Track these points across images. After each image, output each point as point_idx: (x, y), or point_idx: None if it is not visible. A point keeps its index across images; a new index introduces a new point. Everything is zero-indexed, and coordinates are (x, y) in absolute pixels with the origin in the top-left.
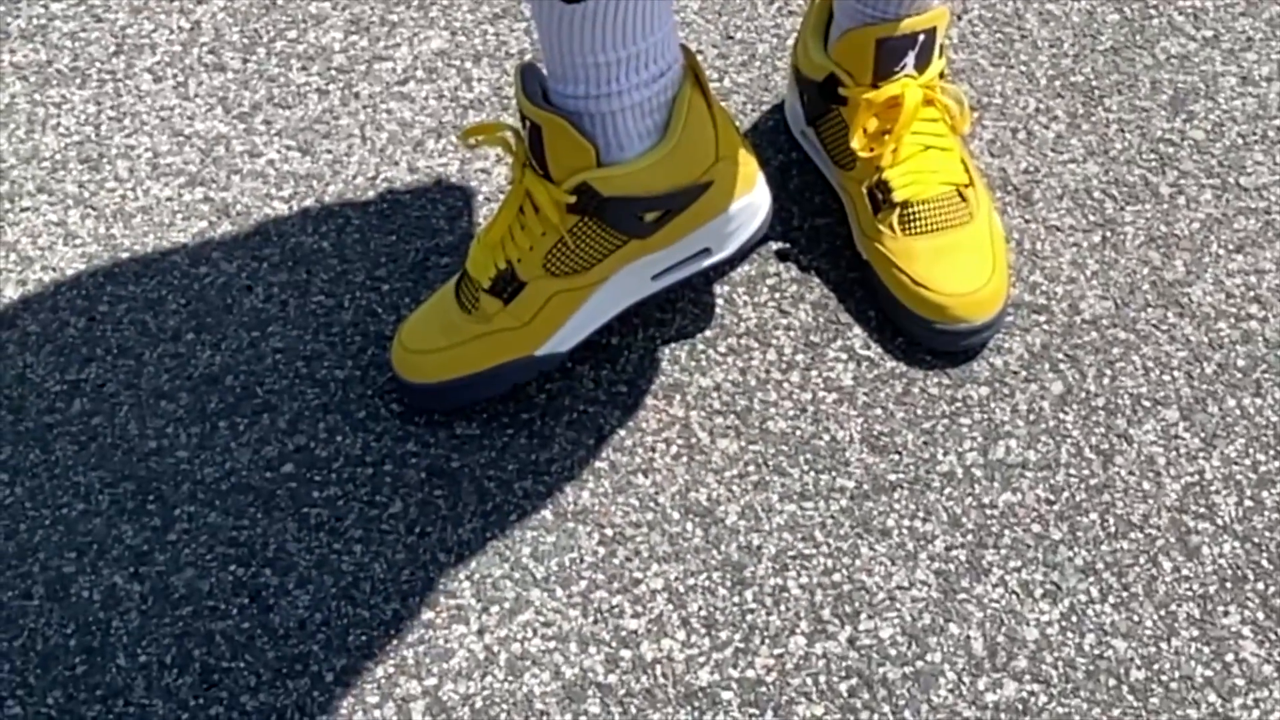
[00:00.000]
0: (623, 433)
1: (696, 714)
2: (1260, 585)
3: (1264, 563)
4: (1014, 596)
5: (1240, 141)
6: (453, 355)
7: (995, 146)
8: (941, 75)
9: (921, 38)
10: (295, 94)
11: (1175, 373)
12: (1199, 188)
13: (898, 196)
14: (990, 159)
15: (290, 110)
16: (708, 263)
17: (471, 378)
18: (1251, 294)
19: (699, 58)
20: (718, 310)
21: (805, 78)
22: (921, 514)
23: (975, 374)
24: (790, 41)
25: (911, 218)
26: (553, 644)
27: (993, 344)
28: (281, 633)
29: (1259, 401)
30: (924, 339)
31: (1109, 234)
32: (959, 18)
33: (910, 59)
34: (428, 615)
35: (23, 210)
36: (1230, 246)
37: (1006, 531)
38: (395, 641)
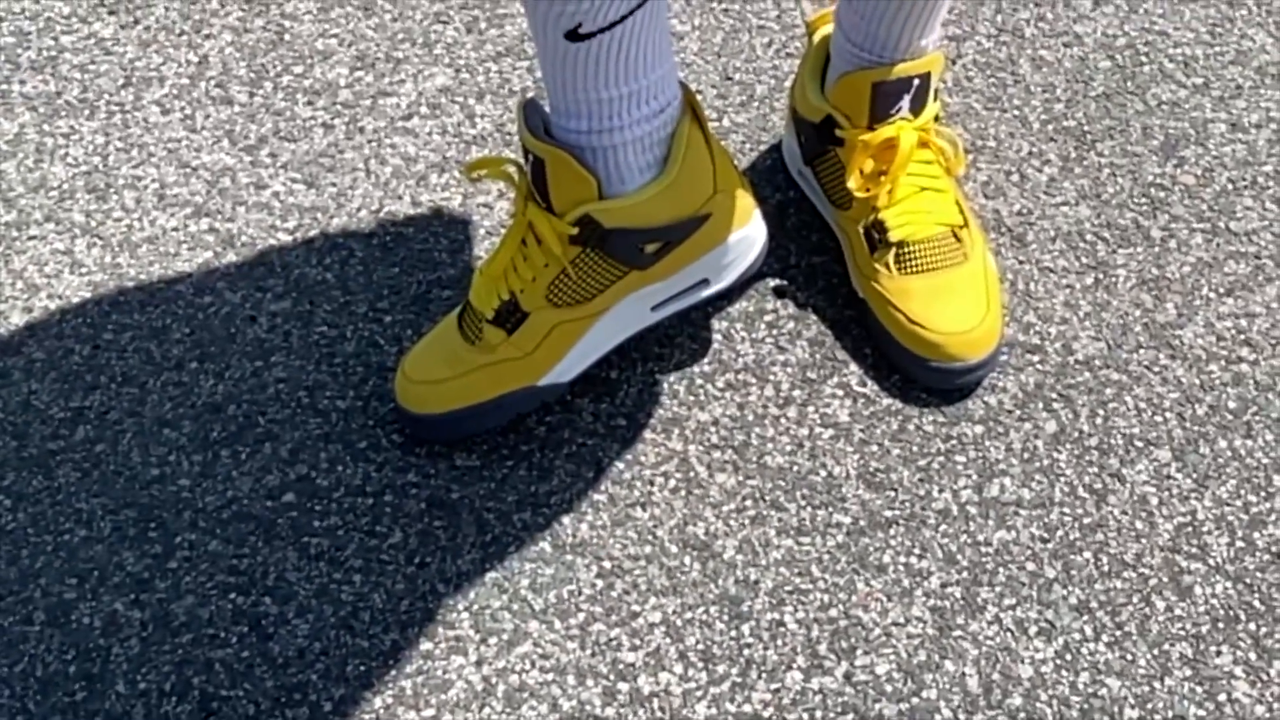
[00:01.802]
0: (621, 466)
1: None
2: (1252, 626)
3: (1255, 603)
4: (1009, 634)
5: (1230, 187)
6: (456, 386)
7: (990, 188)
8: (936, 119)
9: (916, 82)
10: (301, 128)
11: (1167, 414)
12: (1190, 232)
13: (893, 236)
14: (985, 200)
15: (296, 144)
16: (706, 293)
17: (475, 408)
18: (1242, 337)
19: (698, 96)
20: (716, 345)
21: (803, 119)
22: (917, 550)
23: (970, 412)
24: (788, 83)
25: (907, 257)
26: (551, 676)
27: (987, 383)
28: (281, 661)
29: (1250, 443)
30: (919, 376)
31: (1101, 276)
32: (953, 62)
33: (905, 102)
34: (426, 646)
35: (30, 239)
36: (1221, 290)
37: (1001, 569)
38: (394, 672)
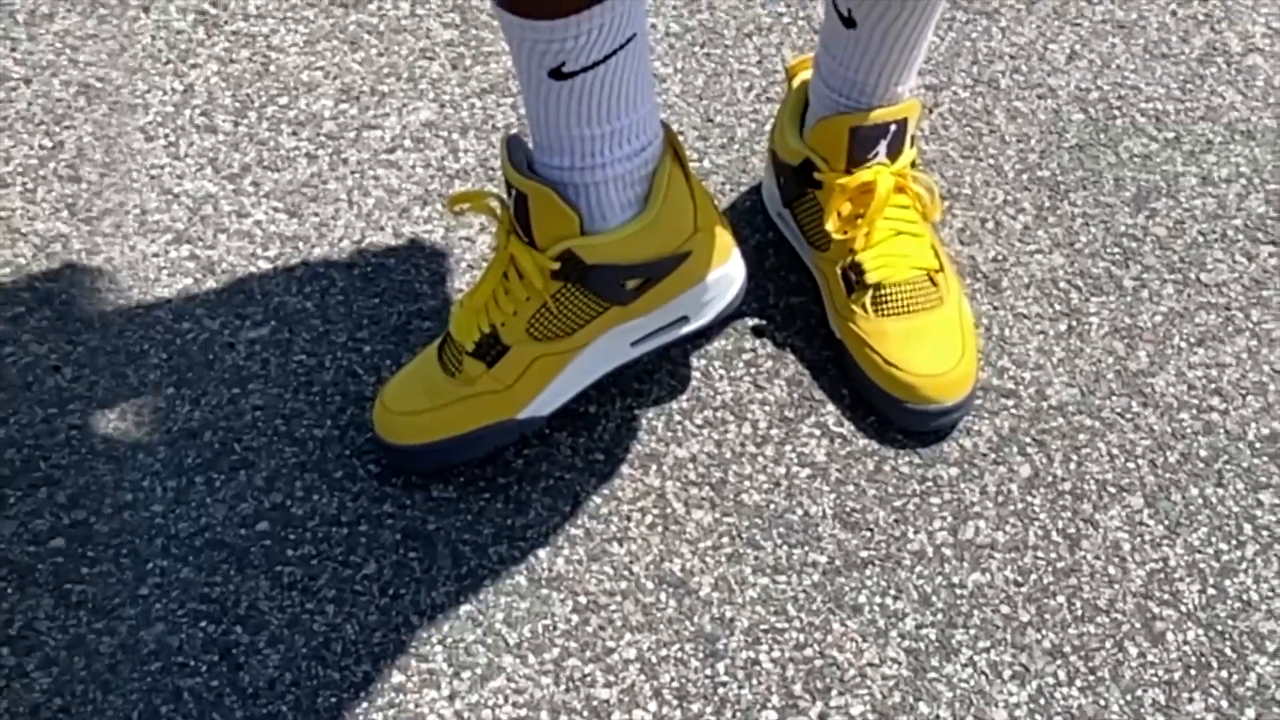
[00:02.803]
0: (598, 500)
1: None
2: (1224, 673)
3: (1227, 650)
4: (983, 677)
5: (1201, 239)
6: (435, 417)
7: (965, 235)
8: (913, 164)
9: (893, 128)
10: (284, 158)
11: (1139, 460)
12: (1161, 282)
13: (870, 279)
14: (960, 246)
15: (279, 173)
16: (685, 330)
17: (453, 440)
18: (1213, 386)
19: (679, 137)
20: (694, 383)
21: (782, 162)
22: (893, 591)
23: (945, 454)
24: (768, 126)
25: (884, 299)
26: (524, 712)
27: (962, 426)
28: (250, 692)
29: (1221, 491)
30: (895, 417)
31: (1075, 323)
32: (930, 111)
33: (882, 147)
34: (398, 679)
35: (7, 261)
36: (1192, 340)
37: (976, 611)
38: (365, 705)
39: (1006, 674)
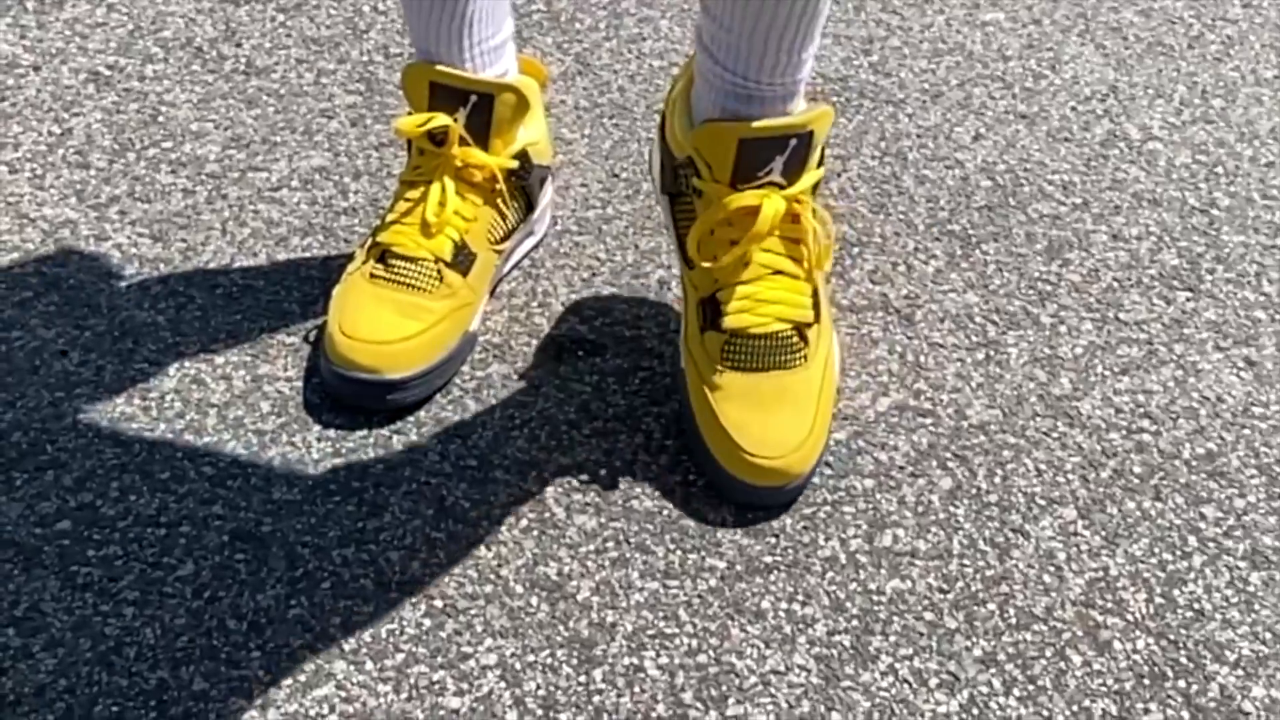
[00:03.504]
0: (467, 505)
1: None
2: (1181, 683)
3: (1183, 660)
4: (905, 685)
5: (1116, 285)
6: (430, 338)
7: (876, 275)
8: (816, 187)
9: (793, 142)
10: (159, 191)
11: (1070, 475)
12: (1079, 319)
13: (727, 323)
14: (871, 285)
15: (150, 204)
16: None
17: (444, 361)
18: (1141, 410)
19: (584, 191)
20: (585, 397)
21: (668, 149)
22: (800, 597)
23: (859, 466)
24: None
25: (736, 351)
26: None
27: (875, 441)
28: (12, 699)
29: (1160, 505)
30: (714, 479)
31: (993, 353)
32: (838, 175)
33: (778, 164)
34: (200, 686)
35: None
36: (1116, 369)
37: (896, 619)
38: (153, 714)
39: (933, 682)
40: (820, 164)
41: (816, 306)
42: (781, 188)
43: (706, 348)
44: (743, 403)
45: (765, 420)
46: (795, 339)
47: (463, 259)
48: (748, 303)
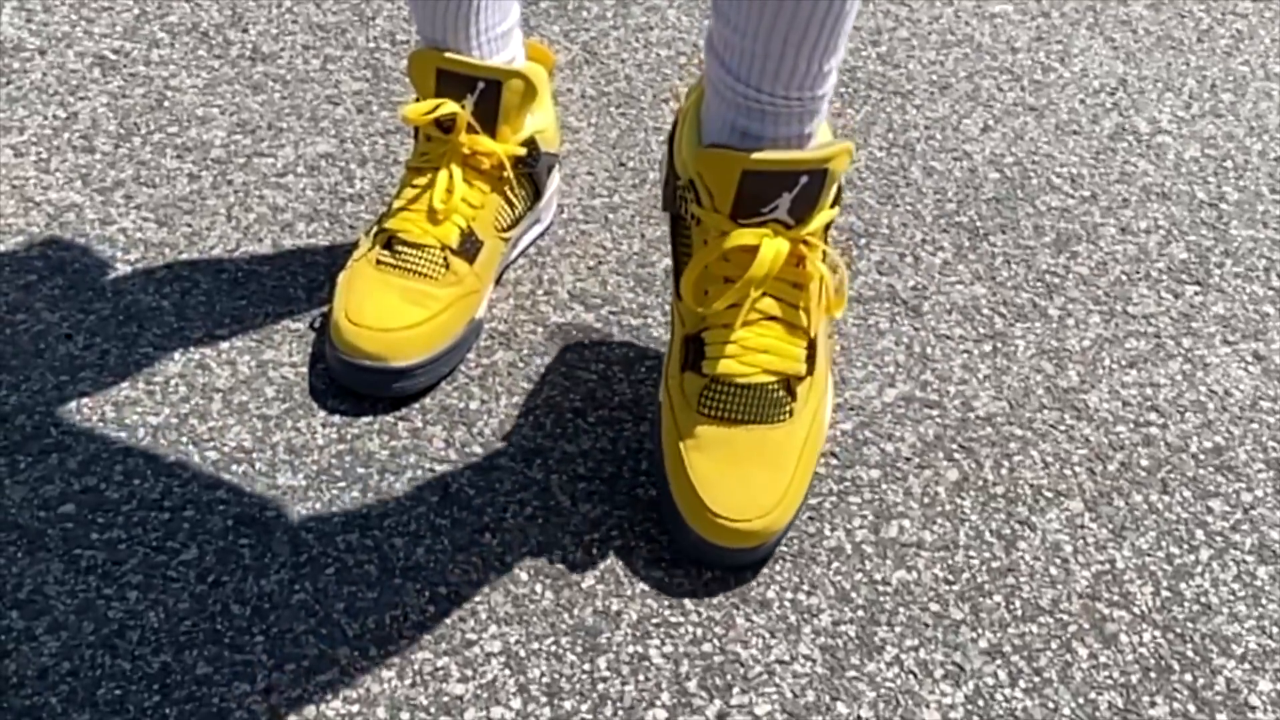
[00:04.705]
0: (472, 492)
1: None
2: (1188, 677)
3: (1189, 653)
4: (911, 676)
5: (1124, 278)
6: (436, 325)
7: (883, 266)
8: (827, 229)
9: (804, 179)
10: (164, 176)
11: (1076, 468)
12: (1087, 312)
13: (708, 368)
14: (878, 276)
15: (155, 189)
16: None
17: (450, 349)
18: (1149, 404)
19: (590, 179)
20: (591, 385)
21: (673, 166)
22: (806, 587)
23: (865, 457)
24: None
25: (716, 398)
26: (356, 707)
27: (882, 432)
28: (15, 682)
29: (1167, 499)
30: (671, 529)
31: (1000, 345)
32: None
33: (784, 202)
34: (204, 670)
35: None
36: (1123, 363)
37: (901, 609)
38: (156, 698)
39: (938, 673)
40: (836, 203)
41: (811, 359)
42: (788, 227)
43: (685, 390)
44: (715, 455)
45: (736, 478)
46: (781, 393)
47: (469, 246)
48: (734, 348)
